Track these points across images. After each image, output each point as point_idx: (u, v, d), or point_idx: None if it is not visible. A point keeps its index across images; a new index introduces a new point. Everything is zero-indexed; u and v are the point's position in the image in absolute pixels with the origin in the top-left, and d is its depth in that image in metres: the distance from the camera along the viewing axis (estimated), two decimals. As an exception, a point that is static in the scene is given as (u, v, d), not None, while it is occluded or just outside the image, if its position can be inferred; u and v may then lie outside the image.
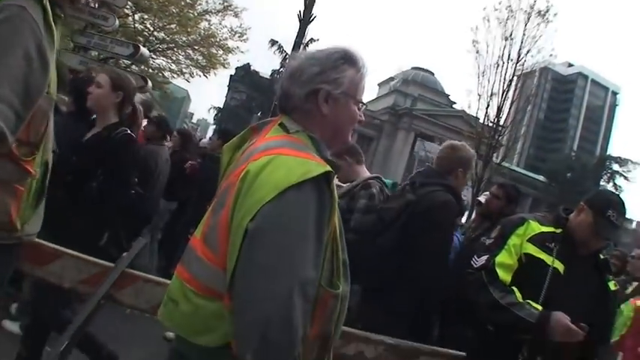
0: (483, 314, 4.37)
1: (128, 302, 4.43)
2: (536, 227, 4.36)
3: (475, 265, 4.41)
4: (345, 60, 2.71)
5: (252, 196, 2.30)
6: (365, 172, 6.61)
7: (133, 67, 26.09)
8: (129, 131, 5.22)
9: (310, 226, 2.31)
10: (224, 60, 35.74)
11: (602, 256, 4.48)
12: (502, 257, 4.27)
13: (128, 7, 26.18)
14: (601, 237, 4.29)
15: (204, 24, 34.00)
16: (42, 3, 2.76)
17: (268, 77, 75.91)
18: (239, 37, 35.02)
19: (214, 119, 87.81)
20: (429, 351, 4.82)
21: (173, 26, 32.48)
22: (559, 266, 4.18)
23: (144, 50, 13.94)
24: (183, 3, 31.93)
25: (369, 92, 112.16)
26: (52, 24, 2.83)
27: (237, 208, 2.34)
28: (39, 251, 4.18)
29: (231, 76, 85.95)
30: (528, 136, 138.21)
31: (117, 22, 13.04)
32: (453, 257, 6.39)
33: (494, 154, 40.65)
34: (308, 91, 2.64)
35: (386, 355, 4.62)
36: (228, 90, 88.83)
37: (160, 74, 35.87)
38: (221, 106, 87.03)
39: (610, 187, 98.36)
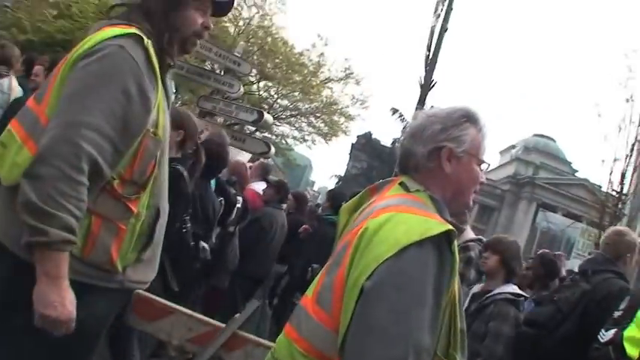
0: None
1: (236, 365, 4.37)
2: None
3: (602, 340, 4.19)
4: (467, 118, 2.66)
5: (370, 253, 2.23)
6: (468, 234, 6.54)
7: (257, 133, 26.64)
8: (179, 166, 5.20)
9: (429, 288, 2.19)
10: (345, 127, 36.10)
11: None
12: (631, 331, 4.01)
13: (253, 74, 26.80)
14: None
15: (326, 92, 34.52)
16: (143, 44, 2.83)
17: (389, 146, 75.85)
18: (360, 104, 35.41)
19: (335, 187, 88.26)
20: None
21: (296, 94, 33.09)
22: None
23: (268, 117, 14.16)
24: (306, 71, 32.48)
25: (490, 160, 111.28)
26: (156, 67, 2.90)
27: (353, 265, 2.27)
28: (150, 306, 4.23)
29: (352, 144, 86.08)
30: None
31: (242, 88, 13.28)
32: None
33: (618, 224, 39.45)
34: (431, 149, 2.58)
35: None
36: (349, 158, 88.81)
37: (284, 141, 36.48)
38: (342, 174, 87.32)
39: None
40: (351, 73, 34.56)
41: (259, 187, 9.92)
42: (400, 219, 2.29)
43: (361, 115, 36.08)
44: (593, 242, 35.22)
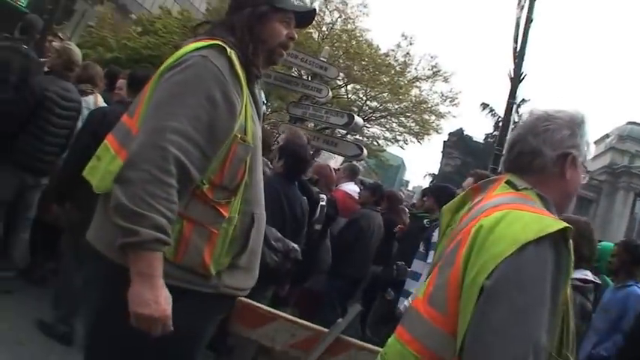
0: None
1: (340, 369, 4.37)
2: None
3: None
4: (586, 125, 2.67)
5: (487, 251, 2.22)
6: None
7: (348, 136, 26.72)
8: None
9: (548, 286, 2.18)
10: (437, 125, 35.92)
11: None
12: None
13: (340, 78, 26.88)
14: None
15: (415, 91, 34.43)
16: (225, 54, 2.91)
17: (482, 142, 75.12)
18: (450, 101, 35.21)
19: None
20: None
21: (385, 95, 33.00)
22: None
23: (358, 119, 14.21)
24: (393, 72, 32.43)
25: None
26: (240, 75, 2.96)
27: (470, 264, 2.27)
28: (253, 313, 4.26)
29: (444, 142, 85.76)
30: None
31: (330, 93, 13.36)
32: None
33: None
34: (560, 153, 2.57)
35: None
36: (442, 156, 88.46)
37: (375, 142, 36.45)
38: (436, 173, 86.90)
39: None
40: (439, 71, 34.48)
41: (348, 187, 10.02)
42: (515, 216, 2.28)
43: (452, 112, 35.83)
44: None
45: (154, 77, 2.96)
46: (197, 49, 2.92)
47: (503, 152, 2.63)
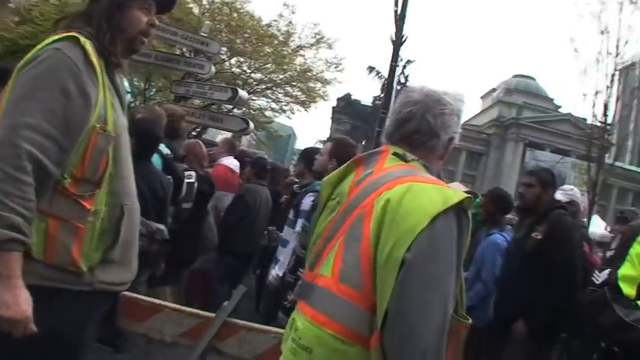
0: (608, 335, 4.08)
1: (231, 353, 4.37)
2: None
3: (597, 282, 4.09)
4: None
5: (400, 225, 2.30)
6: (459, 187, 6.64)
7: (235, 110, 26.53)
8: None
9: (454, 255, 2.35)
10: (323, 93, 35.95)
11: None
12: (625, 269, 3.88)
13: (223, 52, 26.63)
14: None
15: (299, 59, 34.25)
16: (79, 44, 2.86)
17: (370, 105, 75.63)
18: (335, 67, 35.18)
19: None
20: None
21: (269, 66, 32.81)
22: None
23: (242, 93, 14.11)
24: (276, 42, 32.24)
25: (472, 107, 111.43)
26: (95, 64, 2.91)
27: (382, 238, 2.33)
28: (138, 307, 4.20)
29: (333, 107, 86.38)
30: (638, 131, 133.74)
31: (213, 68, 13.22)
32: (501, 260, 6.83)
33: (606, 155, 39.64)
34: (448, 138, 2.80)
35: None
36: (332, 122, 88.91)
37: (262, 115, 36.27)
38: (326, 139, 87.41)
39: None
40: (322, 38, 34.33)
41: (229, 162, 10.00)
42: (419, 189, 2.40)
43: (337, 78, 35.84)
44: (583, 176, 35.36)
45: (14, 74, 2.86)
46: (52, 42, 2.86)
47: (388, 123, 2.60)
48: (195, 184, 7.35)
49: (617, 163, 40.20)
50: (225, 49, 27.24)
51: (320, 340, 2.40)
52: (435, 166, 2.77)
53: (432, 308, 2.23)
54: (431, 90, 2.83)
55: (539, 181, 6.48)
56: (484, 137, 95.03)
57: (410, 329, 2.20)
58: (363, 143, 24.84)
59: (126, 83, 3.84)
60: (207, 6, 29.89)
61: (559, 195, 7.49)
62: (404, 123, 2.76)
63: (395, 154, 2.69)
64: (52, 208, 2.80)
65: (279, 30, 32.97)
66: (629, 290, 3.82)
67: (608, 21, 34.07)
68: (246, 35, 30.71)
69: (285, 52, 32.78)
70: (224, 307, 4.34)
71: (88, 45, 2.90)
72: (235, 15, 29.89)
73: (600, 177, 35.78)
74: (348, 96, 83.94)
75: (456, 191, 2.42)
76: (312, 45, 34.15)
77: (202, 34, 13.80)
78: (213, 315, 4.30)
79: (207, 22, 16.98)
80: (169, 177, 6.34)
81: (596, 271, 4.22)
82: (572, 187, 7.93)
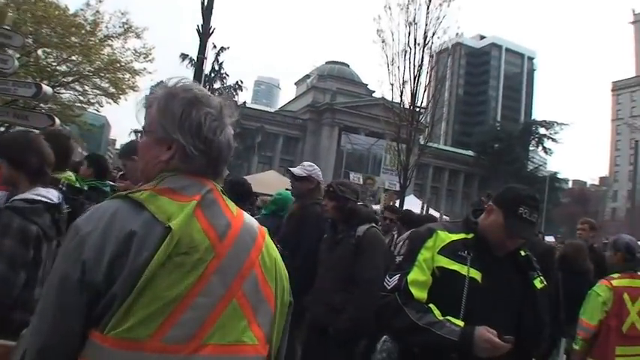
0: (403, 338, 4.19)
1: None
2: (445, 237, 4.10)
3: (388, 287, 4.12)
4: None
5: (282, 275, 2.59)
6: None
7: (42, 105, 25.44)
8: None
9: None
10: (133, 84, 35.20)
11: (522, 253, 4.23)
12: (414, 274, 3.99)
13: (28, 44, 25.47)
14: (515, 237, 4.03)
15: (107, 50, 33.45)
16: None
17: (184, 93, 74.91)
18: (144, 57, 34.59)
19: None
20: None
21: (75, 57, 31.80)
22: (475, 275, 3.93)
23: (46, 89, 13.38)
24: (83, 32, 31.30)
25: (288, 94, 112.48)
26: None
27: (278, 290, 2.56)
28: None
29: (146, 96, 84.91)
30: (451, 114, 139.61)
31: (16, 62, 12.50)
32: None
33: (420, 137, 40.74)
34: None
35: None
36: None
37: (70, 109, 35.01)
38: (140, 129, 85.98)
39: (539, 151, 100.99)
40: (130, 27, 33.75)
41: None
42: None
43: (147, 68, 35.20)
44: (397, 156, 36.37)
45: None
46: None
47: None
48: None
49: (431, 144, 41.51)
50: (30, 41, 26.07)
51: None
52: None
53: None
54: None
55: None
56: (300, 122, 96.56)
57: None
58: None
59: None
60: (9, -4, 28.40)
61: (298, 170, 7.67)
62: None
63: (222, 190, 2.51)
64: None
65: (85, 20, 32.08)
66: (419, 294, 3.94)
67: (415, 13, 35.13)
68: (52, 25, 29.57)
69: (92, 43, 31.92)
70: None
71: None
72: (41, 4, 28.66)
73: (414, 157, 36.82)
74: (160, 84, 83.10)
75: None
76: (119, 35, 33.55)
77: (6, 27, 13.00)
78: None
79: (10, 14, 16.05)
80: None
81: (387, 277, 4.25)
82: (311, 163, 7.89)
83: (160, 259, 2.14)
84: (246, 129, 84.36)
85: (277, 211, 8.53)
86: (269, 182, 34.59)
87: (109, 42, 33.73)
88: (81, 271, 2.10)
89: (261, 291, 2.38)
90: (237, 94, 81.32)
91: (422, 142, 39.54)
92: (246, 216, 2.50)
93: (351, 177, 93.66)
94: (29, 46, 27.72)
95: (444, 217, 37.32)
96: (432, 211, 31.86)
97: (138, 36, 34.56)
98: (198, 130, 2.36)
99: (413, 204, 41.37)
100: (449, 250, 4.01)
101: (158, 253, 2.14)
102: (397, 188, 37.93)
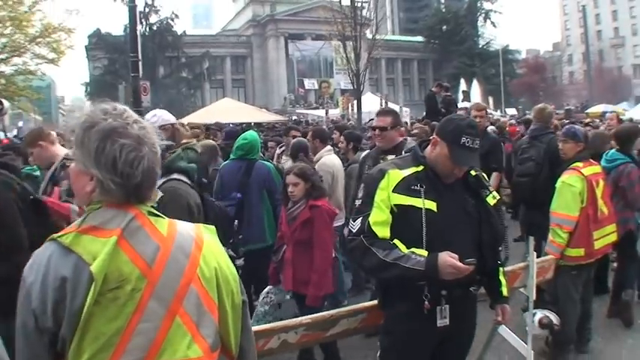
0: (375, 275, 4.79)
1: None
2: (396, 175, 4.34)
3: (353, 230, 4.43)
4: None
5: (229, 277, 2.67)
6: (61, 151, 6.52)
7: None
8: None
9: None
10: (70, 44, 34.39)
11: (473, 173, 4.51)
12: (375, 216, 4.30)
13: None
14: (461, 165, 4.31)
15: (38, 15, 32.44)
16: None
17: (123, 34, 73.37)
18: (77, 13, 33.82)
19: (86, 94, 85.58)
20: (345, 313, 5.07)
21: (9, 30, 30.90)
22: (431, 205, 4.22)
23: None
24: (10, 2, 30.27)
25: (226, 13, 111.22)
26: None
27: (223, 295, 2.64)
28: None
29: (85, 47, 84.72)
30: (394, 3, 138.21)
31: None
32: None
33: (367, 31, 40.51)
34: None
35: (308, 334, 4.86)
36: (89, 61, 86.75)
37: (14, 84, 34.00)
38: (88, 80, 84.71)
39: (488, 25, 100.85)
40: (55, -15, 32.88)
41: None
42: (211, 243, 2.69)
43: (81, 24, 34.49)
44: (346, 56, 36.41)
45: None
46: None
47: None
48: None
49: (379, 37, 41.21)
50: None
51: None
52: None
53: None
54: None
55: None
56: (244, 40, 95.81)
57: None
58: (124, 85, 23.44)
59: None
60: None
61: None
62: None
63: (149, 212, 2.54)
64: None
65: None
66: (382, 233, 4.26)
67: None
68: None
69: (21, 12, 30.92)
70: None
71: None
72: None
73: (365, 54, 36.72)
74: (98, 31, 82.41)
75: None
76: None
77: None
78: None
79: None
80: None
81: (351, 221, 4.55)
82: (154, 112, 7.06)
83: (91, 301, 2.24)
84: (191, 57, 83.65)
85: (245, 155, 8.32)
86: (225, 110, 34.41)
87: (38, 6, 32.72)
88: (34, 319, 2.27)
89: (203, 304, 2.48)
90: (174, 24, 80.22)
91: (369, 37, 39.32)
92: (180, 230, 2.55)
93: (306, 84, 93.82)
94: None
95: (404, 109, 37.55)
96: (391, 104, 31.99)
97: (65, -7, 33.47)
98: (113, 165, 2.34)
99: (371, 102, 41.52)
100: (402, 187, 4.28)
101: (89, 296, 2.23)
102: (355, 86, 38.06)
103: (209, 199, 5.87)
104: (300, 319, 4.95)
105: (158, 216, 2.54)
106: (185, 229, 2.57)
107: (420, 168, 4.36)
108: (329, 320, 4.94)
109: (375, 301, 4.92)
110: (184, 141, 6.64)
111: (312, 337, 4.95)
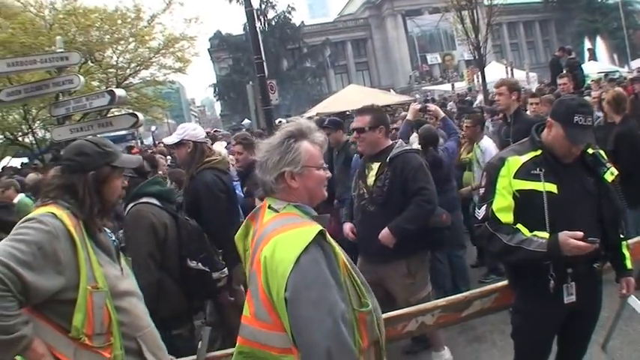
0: (501, 259, 5.32)
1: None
2: (516, 162, 4.56)
3: (479, 218, 4.71)
4: (295, 138, 3.37)
5: (275, 274, 3.01)
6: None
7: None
8: None
9: (326, 273, 3.03)
10: (193, 52, 35.00)
11: (590, 151, 4.66)
12: (498, 203, 4.55)
13: (84, 57, 25.69)
14: (577, 144, 4.47)
15: (159, 27, 33.14)
16: (57, 218, 3.45)
17: (243, 33, 74.30)
18: (195, 21, 34.58)
19: (215, 95, 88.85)
20: (478, 294, 5.30)
21: (132, 46, 31.80)
22: (551, 187, 4.42)
23: (119, 92, 13.53)
24: (129, 20, 31.12)
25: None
26: (73, 235, 3.46)
27: (270, 286, 3.05)
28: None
29: (208, 50, 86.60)
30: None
31: (82, 79, 12.89)
32: None
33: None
34: (275, 176, 3.32)
35: (444, 316, 5.14)
36: (213, 63, 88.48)
37: (145, 97, 34.80)
38: (215, 82, 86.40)
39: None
40: (171, -1, 33.35)
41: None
42: (282, 240, 3.08)
43: (201, 30, 35.16)
44: (467, 28, 35.89)
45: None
46: (40, 213, 3.45)
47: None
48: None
49: (496, 1, 40.10)
50: (85, 49, 26.44)
51: (264, 357, 3.17)
52: (299, 196, 3.38)
53: (317, 321, 2.92)
54: (265, 142, 3.49)
55: None
56: (362, 22, 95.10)
57: (308, 342, 2.93)
58: (251, 84, 23.93)
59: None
60: (51, 20, 28.50)
61: (171, 138, 7.75)
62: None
63: (269, 206, 3.37)
64: (76, 358, 3.35)
65: (127, 9, 31.85)
66: (506, 218, 4.52)
67: None
68: (97, 25, 29.64)
69: (142, 26, 31.90)
70: (200, 350, 4.57)
71: (66, 217, 3.46)
72: (82, 20, 28.69)
73: (484, 20, 36.10)
74: (219, 33, 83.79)
75: (313, 228, 3.11)
76: (164, 10, 33.13)
77: (59, 50, 13.42)
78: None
79: (57, 37, 16.49)
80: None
81: (476, 209, 4.87)
82: (184, 125, 7.67)
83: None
84: (312, 47, 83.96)
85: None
86: (351, 98, 34.14)
87: (158, 20, 33.25)
88: None
89: (256, 282, 3.19)
90: (291, 16, 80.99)
91: (487, 3, 38.42)
92: (270, 223, 3.28)
93: (428, 58, 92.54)
94: (85, 56, 27.90)
95: (530, 74, 36.62)
96: (516, 72, 31.22)
97: (181, 4, 34.68)
98: None
99: (496, 70, 40.35)
100: (522, 173, 4.51)
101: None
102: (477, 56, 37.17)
103: (182, 218, 6.03)
104: (435, 302, 5.30)
105: (275, 210, 3.33)
106: (269, 228, 3.22)
107: (539, 152, 4.56)
108: (463, 302, 5.17)
109: (506, 282, 5.16)
110: (209, 159, 7.04)
111: (448, 319, 5.19)
